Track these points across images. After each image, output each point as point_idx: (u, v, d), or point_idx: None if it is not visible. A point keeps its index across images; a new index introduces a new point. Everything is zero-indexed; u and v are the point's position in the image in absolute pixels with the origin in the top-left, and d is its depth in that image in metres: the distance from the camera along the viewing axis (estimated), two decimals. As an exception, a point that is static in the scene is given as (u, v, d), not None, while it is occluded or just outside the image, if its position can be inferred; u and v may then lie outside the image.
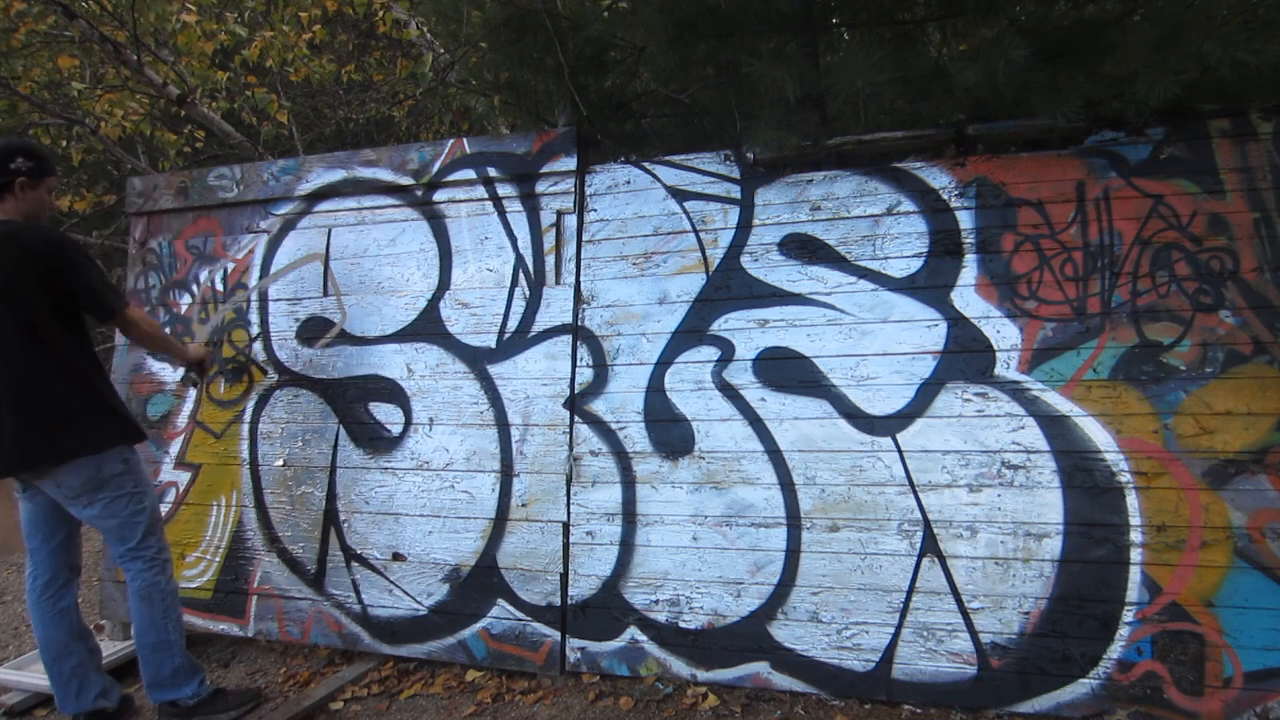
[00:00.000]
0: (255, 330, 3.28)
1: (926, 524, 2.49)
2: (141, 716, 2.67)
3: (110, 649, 3.03)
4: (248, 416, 3.24)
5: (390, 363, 3.09)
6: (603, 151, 3.20)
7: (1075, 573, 2.36)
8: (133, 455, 2.49)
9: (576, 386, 2.87)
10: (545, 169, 2.98)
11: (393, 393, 3.08)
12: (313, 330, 3.21)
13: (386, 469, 3.05)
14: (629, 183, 2.92)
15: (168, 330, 3.39)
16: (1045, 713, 2.36)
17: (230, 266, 3.35)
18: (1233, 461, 2.28)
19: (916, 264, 2.60)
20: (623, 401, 2.81)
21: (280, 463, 3.18)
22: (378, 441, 3.08)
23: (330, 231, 3.23)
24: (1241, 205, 2.36)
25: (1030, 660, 2.38)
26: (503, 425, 2.93)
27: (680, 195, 2.86)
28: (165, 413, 3.34)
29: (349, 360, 3.15)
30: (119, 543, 2.46)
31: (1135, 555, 2.32)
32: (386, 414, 3.09)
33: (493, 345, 2.98)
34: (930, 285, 2.57)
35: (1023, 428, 2.44)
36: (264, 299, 3.29)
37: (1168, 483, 2.32)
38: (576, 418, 2.86)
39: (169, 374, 3.37)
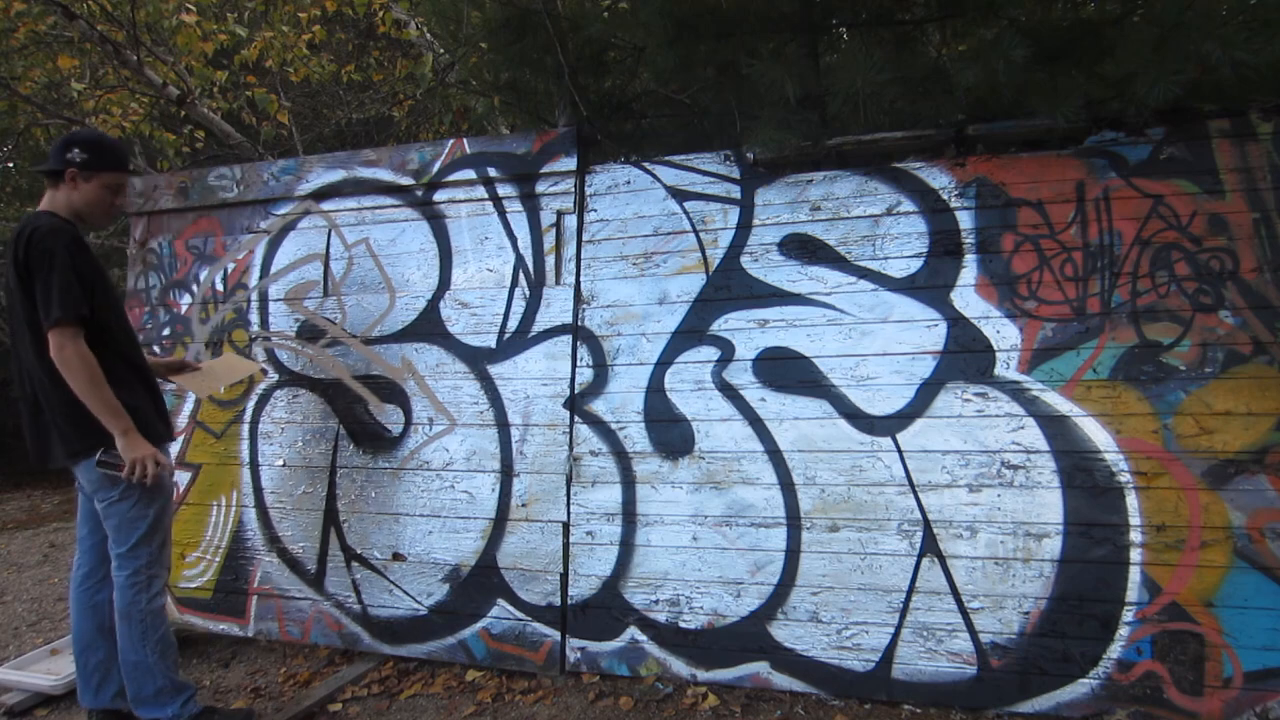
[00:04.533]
0: (255, 330, 3.28)
1: (926, 524, 2.50)
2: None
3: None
4: (248, 416, 3.24)
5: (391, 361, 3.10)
6: (603, 151, 3.20)
7: (1075, 573, 2.36)
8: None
9: (576, 386, 2.87)
10: (545, 169, 2.98)
11: (393, 392, 3.08)
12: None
13: (386, 469, 3.06)
14: (629, 183, 2.93)
15: (165, 339, 3.39)
16: (1045, 713, 2.36)
17: (230, 266, 3.35)
18: (1233, 461, 2.28)
19: (916, 264, 2.60)
20: (623, 401, 2.82)
21: (280, 463, 3.18)
22: (378, 441, 3.08)
23: (331, 231, 3.23)
24: (1241, 205, 2.36)
25: (1030, 660, 2.38)
26: (503, 425, 2.93)
27: (680, 195, 2.86)
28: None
29: (349, 360, 3.15)
30: (115, 544, 2.39)
31: (1135, 555, 2.32)
32: (387, 414, 3.09)
33: (493, 345, 2.98)
34: (930, 285, 2.58)
35: (1023, 428, 2.44)
36: (264, 299, 3.29)
37: (1167, 483, 2.32)
38: (576, 418, 2.86)
39: (169, 374, 3.37)
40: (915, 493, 2.51)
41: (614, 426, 2.82)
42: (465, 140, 3.11)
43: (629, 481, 2.78)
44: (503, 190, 3.03)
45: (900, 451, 2.53)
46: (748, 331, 2.72)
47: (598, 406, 2.84)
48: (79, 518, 2.51)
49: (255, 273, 3.32)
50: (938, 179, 2.61)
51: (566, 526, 2.83)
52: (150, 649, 2.38)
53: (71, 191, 2.35)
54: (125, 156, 2.52)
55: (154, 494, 2.39)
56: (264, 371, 3.25)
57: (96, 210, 2.41)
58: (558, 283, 2.94)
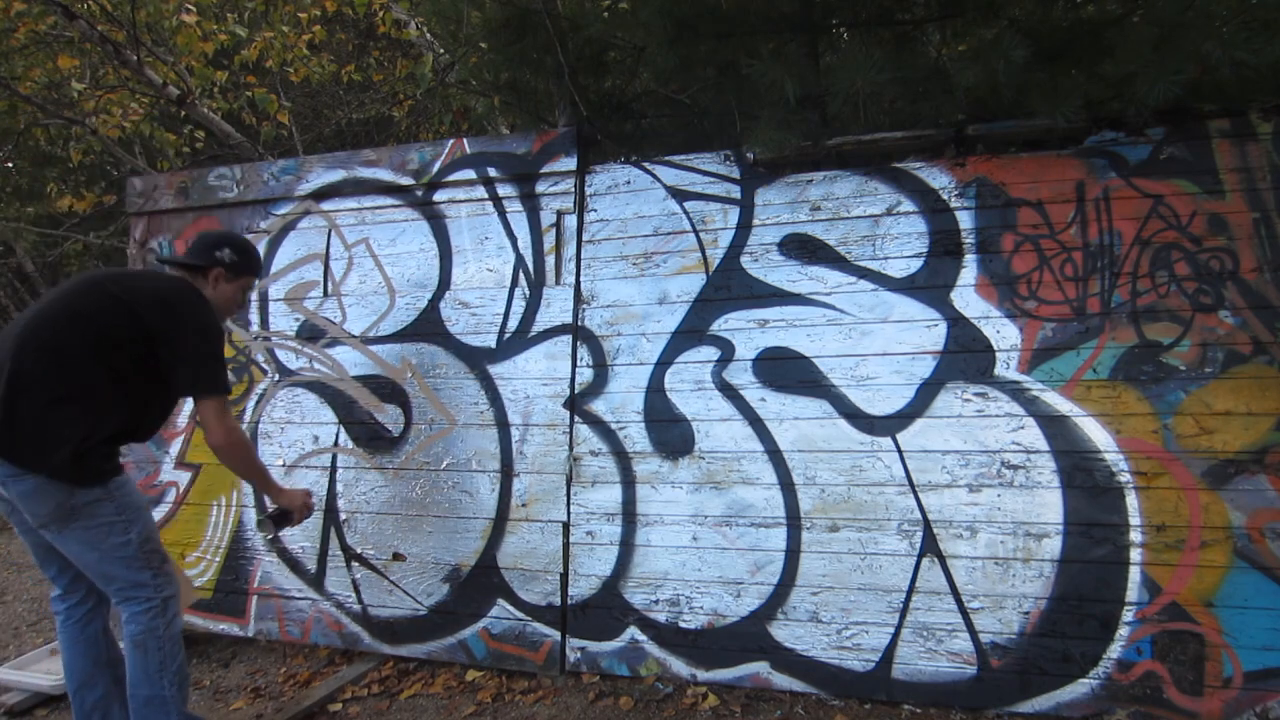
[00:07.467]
0: (255, 330, 3.28)
1: (926, 524, 2.50)
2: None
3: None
4: (248, 416, 3.24)
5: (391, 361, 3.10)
6: (603, 151, 3.21)
7: (1075, 573, 2.36)
8: (115, 480, 2.09)
9: (576, 386, 2.87)
10: (545, 169, 2.98)
11: (393, 392, 3.08)
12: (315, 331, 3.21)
13: (387, 469, 3.05)
14: (629, 183, 2.92)
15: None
16: (1045, 713, 2.36)
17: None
18: (1232, 461, 2.28)
19: (916, 264, 2.60)
20: (623, 401, 2.82)
21: (280, 463, 3.18)
22: (378, 441, 3.08)
23: (331, 231, 3.23)
24: (1241, 205, 2.36)
25: (1030, 660, 2.38)
26: (503, 425, 2.93)
27: (680, 195, 2.86)
28: (165, 413, 3.34)
29: (349, 360, 3.15)
30: (110, 581, 2.09)
31: (1135, 555, 2.32)
32: (387, 414, 3.09)
33: (493, 345, 2.98)
34: (930, 285, 2.58)
35: (1023, 428, 2.44)
36: (264, 299, 3.29)
37: (1167, 483, 2.32)
38: (576, 418, 2.86)
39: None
40: (915, 493, 2.51)
41: (614, 426, 2.82)
42: (465, 140, 3.11)
43: (629, 481, 2.78)
44: (503, 190, 3.03)
45: (900, 451, 2.53)
46: (748, 331, 2.72)
47: (598, 406, 2.84)
48: (37, 558, 2.21)
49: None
50: (938, 179, 2.61)
51: (566, 526, 2.83)
52: (168, 681, 2.11)
53: (210, 289, 2.28)
54: (261, 261, 2.51)
55: (133, 514, 2.10)
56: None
57: (228, 311, 2.38)
58: (558, 283, 2.94)
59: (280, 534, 2.39)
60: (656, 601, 2.72)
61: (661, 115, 3.72)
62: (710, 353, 2.75)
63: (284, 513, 2.41)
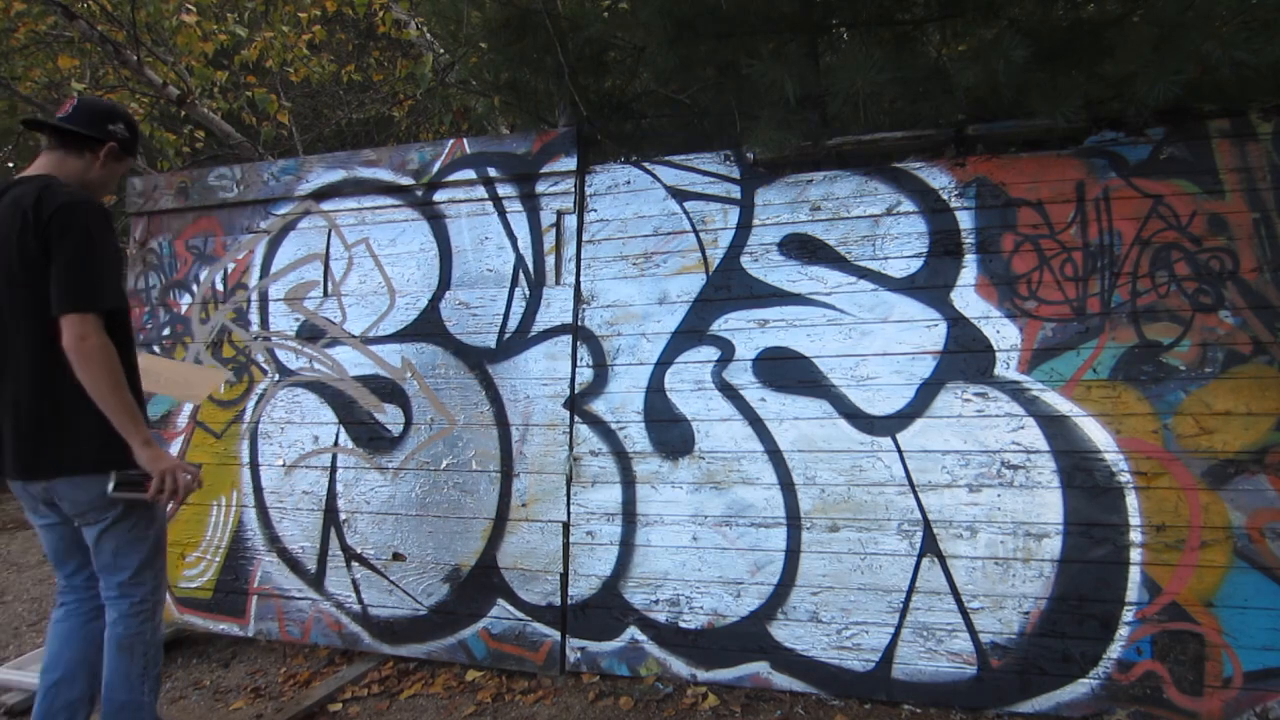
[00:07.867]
0: (255, 330, 3.28)
1: (926, 524, 2.50)
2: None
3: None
4: (248, 416, 3.24)
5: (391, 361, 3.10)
6: (603, 151, 3.21)
7: (1075, 573, 2.36)
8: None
9: (576, 386, 2.88)
10: (545, 169, 2.98)
11: (393, 392, 3.08)
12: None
13: (387, 469, 3.06)
14: (629, 183, 2.93)
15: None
16: (1045, 713, 2.36)
17: (230, 266, 3.35)
18: (1232, 461, 2.28)
19: (916, 264, 2.60)
20: (623, 401, 2.82)
21: (280, 463, 3.18)
22: (378, 441, 3.08)
23: (331, 231, 3.23)
24: (1241, 205, 2.36)
25: (1030, 660, 2.38)
26: (503, 425, 2.93)
27: (680, 195, 2.86)
28: (165, 412, 3.34)
29: (349, 360, 3.15)
30: (113, 572, 2.05)
31: (1135, 555, 2.32)
32: (387, 414, 3.09)
33: (493, 345, 2.98)
34: (930, 285, 2.58)
35: (1022, 428, 2.44)
36: (264, 299, 3.29)
37: (1167, 483, 2.32)
38: (576, 418, 2.86)
39: (169, 374, 3.37)
40: (915, 493, 2.51)
41: (614, 426, 2.82)
42: (465, 140, 3.11)
43: (629, 481, 2.78)
44: (503, 190, 3.04)
45: (900, 451, 2.53)
46: (748, 331, 2.72)
47: (598, 406, 2.84)
48: (57, 554, 2.13)
49: (255, 273, 3.32)
50: (938, 179, 2.61)
51: (566, 526, 2.83)
52: (148, 687, 2.10)
53: (97, 166, 2.06)
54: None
55: (156, 511, 2.10)
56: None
57: (104, 192, 2.18)
58: (558, 283, 2.95)
59: (123, 496, 1.94)
60: (656, 601, 2.72)
61: (661, 115, 3.72)
62: (710, 353, 2.75)
63: (142, 479, 1.97)
